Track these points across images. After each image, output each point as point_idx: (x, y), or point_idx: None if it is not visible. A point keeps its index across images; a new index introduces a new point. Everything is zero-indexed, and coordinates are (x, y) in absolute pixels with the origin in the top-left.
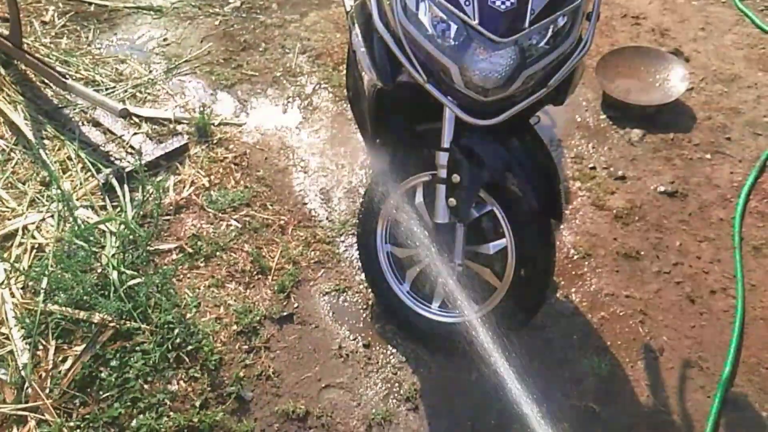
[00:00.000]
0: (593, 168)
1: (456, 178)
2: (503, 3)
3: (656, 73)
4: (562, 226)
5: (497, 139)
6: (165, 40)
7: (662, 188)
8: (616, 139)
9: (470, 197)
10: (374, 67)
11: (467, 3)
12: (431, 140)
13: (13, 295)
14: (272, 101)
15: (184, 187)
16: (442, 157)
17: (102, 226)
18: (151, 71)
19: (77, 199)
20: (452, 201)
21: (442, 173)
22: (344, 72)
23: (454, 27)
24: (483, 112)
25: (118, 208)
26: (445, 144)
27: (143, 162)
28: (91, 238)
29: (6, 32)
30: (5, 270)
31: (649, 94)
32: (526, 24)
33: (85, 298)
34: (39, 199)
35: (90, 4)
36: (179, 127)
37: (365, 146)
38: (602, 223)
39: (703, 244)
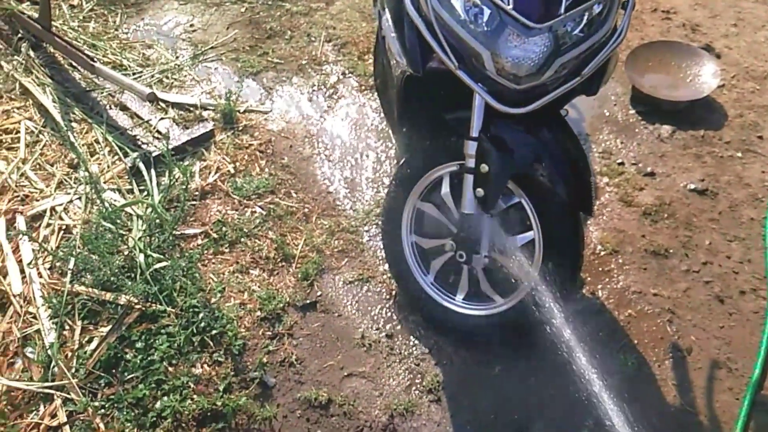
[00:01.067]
0: (621, 163)
1: (484, 168)
2: None
3: (687, 69)
4: (589, 222)
5: (527, 129)
6: (191, 26)
7: (692, 186)
8: (646, 135)
9: (498, 188)
10: (404, 53)
11: None
12: (460, 129)
13: (40, 275)
14: (297, 89)
15: (209, 173)
16: (471, 147)
17: (129, 210)
18: (177, 57)
19: (104, 182)
20: (480, 191)
21: (470, 163)
22: (370, 61)
23: (487, 12)
24: (514, 101)
25: (145, 192)
26: (474, 133)
27: (170, 147)
28: (118, 221)
29: (36, 15)
30: (33, 250)
31: (679, 90)
32: (562, 10)
33: (111, 279)
34: (67, 180)
35: None
36: (205, 113)
37: (391, 135)
38: (630, 220)
39: (733, 244)
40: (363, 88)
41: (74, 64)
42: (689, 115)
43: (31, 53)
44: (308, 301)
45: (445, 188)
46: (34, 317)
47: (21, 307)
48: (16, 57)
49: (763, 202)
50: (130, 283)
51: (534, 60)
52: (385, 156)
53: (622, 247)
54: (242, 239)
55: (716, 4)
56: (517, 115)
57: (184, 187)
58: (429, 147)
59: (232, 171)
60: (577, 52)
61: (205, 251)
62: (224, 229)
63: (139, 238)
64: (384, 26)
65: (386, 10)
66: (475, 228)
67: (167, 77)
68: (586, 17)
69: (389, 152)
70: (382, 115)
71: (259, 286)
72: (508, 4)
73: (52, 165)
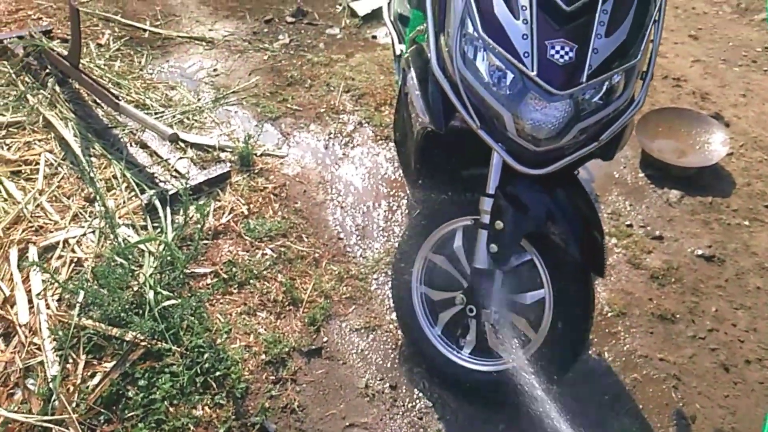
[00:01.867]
0: (630, 225)
1: (499, 224)
2: (562, 57)
3: (696, 136)
4: (597, 282)
5: (542, 188)
6: (215, 70)
7: (699, 251)
8: (654, 199)
9: (513, 244)
10: (428, 110)
11: (526, 54)
12: (476, 185)
13: (48, 307)
14: (314, 136)
15: (223, 213)
16: (487, 203)
17: (141, 246)
18: (199, 99)
19: (119, 218)
20: (494, 247)
21: (485, 218)
22: (386, 112)
23: (510, 76)
24: (532, 161)
25: (159, 229)
26: (491, 190)
27: (187, 186)
28: (131, 257)
29: (65, 52)
30: (43, 281)
31: (688, 156)
32: (584, 79)
33: (119, 315)
34: (82, 214)
35: (145, 30)
36: (222, 155)
37: (407, 186)
38: (638, 282)
39: (739, 312)
40: (378, 138)
41: (98, 101)
42: (698, 181)
43: (57, 88)
44: (314, 347)
45: (458, 242)
46: (39, 348)
47: (26, 337)
48: (42, 91)
49: None
50: (137, 319)
51: (554, 124)
52: (396, 206)
53: (630, 309)
54: (251, 281)
55: (726, 74)
56: (533, 175)
57: (199, 226)
58: (444, 201)
59: (246, 212)
60: (596, 118)
61: (215, 291)
62: (234, 269)
63: (150, 275)
64: (408, 83)
65: (411, 68)
66: (486, 283)
67: (188, 118)
68: (605, 86)
69: (401, 202)
70: (396, 165)
71: (265, 329)
72: (533, 71)
73: (68, 198)
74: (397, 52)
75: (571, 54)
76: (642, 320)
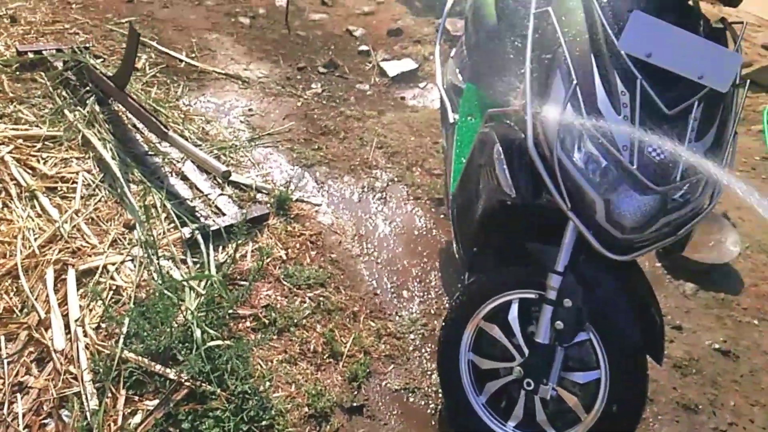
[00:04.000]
0: None
1: (568, 302)
2: (658, 155)
3: (710, 233)
4: None
5: (608, 270)
6: (250, 110)
7: (716, 345)
8: (671, 289)
9: (579, 324)
10: (515, 185)
11: (625, 148)
12: (541, 260)
13: (86, 335)
14: (348, 187)
15: (269, 252)
16: (555, 280)
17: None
18: (236, 137)
19: (159, 248)
20: (560, 324)
21: (552, 294)
22: (417, 173)
23: (608, 166)
24: (614, 247)
25: (198, 265)
26: (560, 267)
27: (228, 223)
28: (178, 292)
29: (110, 73)
30: (80, 306)
31: (703, 252)
32: (677, 177)
33: (164, 351)
34: (121, 240)
35: (181, 61)
36: (259, 196)
37: (458, 254)
38: (662, 370)
39: (755, 408)
40: (410, 197)
41: (138, 126)
42: (710, 276)
43: (97, 107)
44: (355, 404)
45: (513, 313)
46: (75, 378)
47: (61, 365)
48: (79, 108)
49: None
50: (182, 358)
51: (643, 215)
52: (430, 267)
53: (656, 396)
54: (291, 328)
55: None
56: (604, 258)
57: (258, 266)
58: (503, 271)
59: (284, 257)
60: (679, 214)
61: (254, 335)
62: (273, 315)
63: (197, 312)
64: (495, 158)
65: (498, 143)
66: (547, 359)
67: (225, 155)
68: (688, 185)
69: (434, 264)
70: (429, 227)
71: (306, 381)
72: (633, 164)
73: (107, 222)
74: (450, 120)
75: (666, 153)
76: (668, 408)
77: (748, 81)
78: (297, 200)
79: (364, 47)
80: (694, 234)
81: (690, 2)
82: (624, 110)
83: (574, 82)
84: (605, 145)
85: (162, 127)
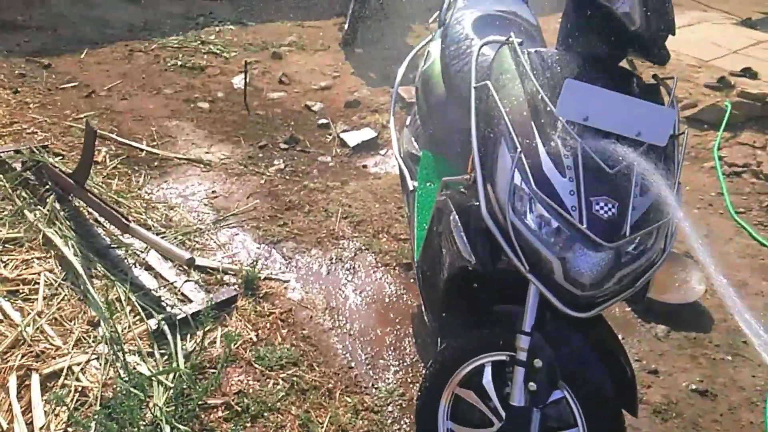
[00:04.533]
0: None
1: (538, 362)
2: (606, 212)
3: (674, 274)
4: None
5: (576, 327)
6: (213, 192)
7: (693, 386)
8: (643, 333)
9: (552, 383)
10: (474, 252)
11: (573, 208)
12: (508, 322)
13: None
14: (316, 261)
15: (235, 339)
16: (524, 341)
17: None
18: (200, 221)
19: (125, 343)
20: (533, 385)
21: (522, 355)
22: (384, 239)
23: (560, 227)
24: (575, 305)
25: (166, 356)
26: (527, 328)
27: (194, 311)
28: (146, 387)
29: (68, 170)
30: (45, 411)
31: (669, 293)
32: (627, 232)
33: None
34: (85, 338)
35: (142, 150)
36: (226, 278)
37: (428, 320)
38: (642, 417)
39: None
40: (379, 264)
41: (100, 220)
42: (680, 316)
43: (57, 205)
44: None
45: (487, 377)
46: None
47: None
48: (40, 207)
49: (759, 406)
50: None
51: (599, 272)
52: (404, 334)
53: None
54: (265, 413)
55: (687, 216)
56: (568, 315)
57: (226, 355)
58: (473, 335)
59: (255, 339)
60: (634, 267)
61: (225, 423)
62: (246, 401)
63: (165, 407)
64: (452, 225)
65: (453, 211)
66: (524, 421)
67: (189, 239)
68: (639, 238)
69: (407, 330)
70: (400, 293)
71: None
72: (582, 224)
73: (70, 321)
74: (410, 188)
75: (613, 210)
76: None
77: (687, 130)
78: (265, 278)
79: (323, 120)
80: (653, 282)
81: (621, 65)
82: (569, 172)
83: (518, 150)
84: (554, 207)
85: (123, 219)
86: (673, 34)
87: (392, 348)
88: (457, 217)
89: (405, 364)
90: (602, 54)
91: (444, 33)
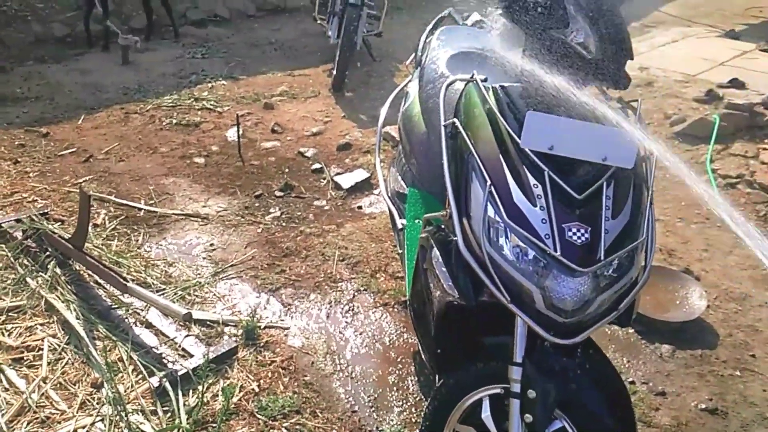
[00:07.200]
0: (632, 382)
1: (532, 393)
2: (579, 238)
3: (674, 291)
4: None
5: (567, 355)
6: (211, 245)
7: (702, 405)
8: (648, 354)
9: (548, 413)
10: (456, 286)
11: (547, 236)
12: (500, 353)
13: None
14: (315, 305)
15: (233, 392)
16: (516, 372)
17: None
18: (198, 274)
19: (128, 402)
20: (529, 417)
21: (516, 388)
22: (382, 279)
23: (536, 255)
24: (560, 332)
25: (169, 413)
26: (518, 358)
27: (194, 366)
28: None
29: (65, 234)
30: None
31: (671, 311)
32: (601, 256)
33: None
34: (89, 401)
35: (140, 209)
36: (227, 329)
37: (425, 357)
38: None
39: None
40: (378, 304)
41: (101, 282)
42: (684, 334)
43: (58, 270)
44: None
45: (486, 411)
46: None
47: None
48: (42, 274)
49: None
50: None
51: (579, 297)
52: (406, 372)
53: None
54: None
55: (685, 231)
56: (558, 343)
57: (224, 410)
58: (468, 370)
59: (256, 389)
60: (614, 290)
61: None
62: None
63: None
64: (433, 262)
65: (434, 247)
66: None
67: (189, 294)
68: (617, 261)
69: (410, 368)
70: (399, 331)
71: None
72: (556, 251)
73: (74, 384)
74: (398, 226)
75: (586, 235)
76: None
77: (655, 152)
78: (265, 327)
79: (317, 165)
80: (636, 308)
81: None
82: (539, 201)
83: (488, 183)
84: (528, 237)
85: (121, 279)
86: (631, 58)
87: (395, 388)
88: (438, 252)
89: (408, 403)
90: (564, 84)
91: (421, 73)
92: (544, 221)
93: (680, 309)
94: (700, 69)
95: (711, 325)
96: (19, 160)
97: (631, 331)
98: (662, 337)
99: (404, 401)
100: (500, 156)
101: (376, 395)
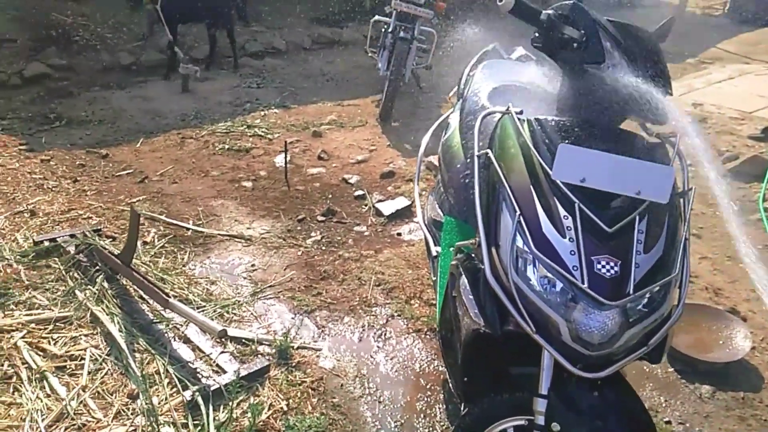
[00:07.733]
0: (669, 422)
1: (556, 426)
2: (608, 271)
3: (718, 331)
4: None
5: (594, 389)
6: (253, 266)
7: None
8: (687, 394)
9: None
10: (482, 315)
11: (575, 268)
12: (526, 385)
13: None
14: (349, 328)
15: (262, 409)
16: (541, 404)
17: None
18: (238, 293)
19: (161, 414)
20: None
21: (540, 420)
22: (416, 305)
23: (564, 287)
24: (586, 365)
25: (199, 427)
26: (543, 390)
27: (226, 382)
28: None
29: (114, 250)
30: None
31: (714, 351)
32: (630, 290)
33: None
34: (124, 411)
35: (188, 229)
36: (260, 348)
37: (451, 384)
38: None
39: None
40: (410, 330)
41: (144, 297)
42: (727, 376)
43: (106, 284)
44: None
45: None
46: None
47: None
48: (90, 287)
49: None
50: None
51: (606, 331)
52: (434, 400)
53: None
54: None
55: (733, 270)
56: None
57: (249, 426)
58: (493, 399)
59: (285, 408)
60: (643, 325)
61: None
62: None
63: None
64: (461, 290)
65: (463, 275)
66: None
67: (228, 312)
68: (648, 296)
69: (438, 396)
70: (430, 358)
71: None
72: (584, 283)
73: (111, 394)
74: (433, 254)
75: (616, 269)
76: None
77: (694, 187)
78: (298, 348)
79: (359, 192)
80: (668, 344)
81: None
82: (569, 233)
83: (518, 213)
84: (556, 268)
85: (163, 295)
86: (670, 94)
87: (422, 415)
88: (466, 280)
89: (435, 431)
90: (600, 118)
91: (462, 104)
92: (572, 253)
93: (723, 349)
94: (756, 106)
95: (756, 368)
96: (78, 179)
97: (670, 369)
98: (703, 378)
99: (431, 429)
100: (531, 187)
101: (402, 421)
